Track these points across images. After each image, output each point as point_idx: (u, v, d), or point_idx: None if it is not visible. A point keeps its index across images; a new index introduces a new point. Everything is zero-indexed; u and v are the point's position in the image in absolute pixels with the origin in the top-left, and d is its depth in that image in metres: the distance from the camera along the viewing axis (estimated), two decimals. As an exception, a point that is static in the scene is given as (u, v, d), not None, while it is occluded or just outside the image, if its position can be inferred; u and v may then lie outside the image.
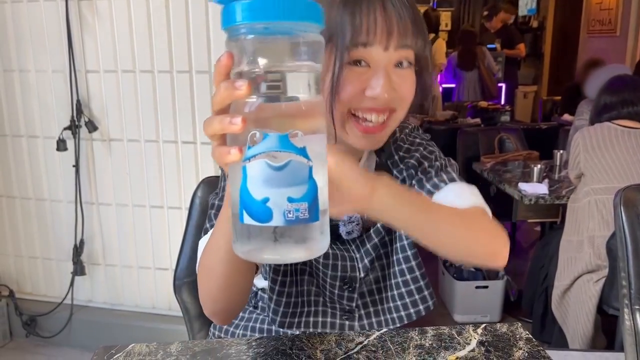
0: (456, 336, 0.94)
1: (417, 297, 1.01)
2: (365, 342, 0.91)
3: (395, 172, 0.97)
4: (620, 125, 2.25)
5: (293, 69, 0.49)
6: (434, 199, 0.89)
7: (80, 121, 2.39)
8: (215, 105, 0.53)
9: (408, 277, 1.00)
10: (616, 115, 2.28)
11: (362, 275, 0.98)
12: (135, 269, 2.54)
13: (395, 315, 1.01)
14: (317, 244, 0.52)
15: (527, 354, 0.87)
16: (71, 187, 2.49)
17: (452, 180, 0.91)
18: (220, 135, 0.53)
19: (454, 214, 0.81)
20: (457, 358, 0.87)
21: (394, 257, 1.01)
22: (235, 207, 0.51)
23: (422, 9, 6.35)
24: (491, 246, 0.86)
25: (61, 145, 2.40)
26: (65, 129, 2.40)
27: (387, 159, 0.97)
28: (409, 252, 0.99)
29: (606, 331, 2.25)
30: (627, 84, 2.36)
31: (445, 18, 8.02)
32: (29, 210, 2.61)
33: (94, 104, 2.41)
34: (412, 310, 1.00)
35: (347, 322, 1.01)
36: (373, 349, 0.89)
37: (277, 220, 0.49)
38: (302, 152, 0.49)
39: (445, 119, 4.55)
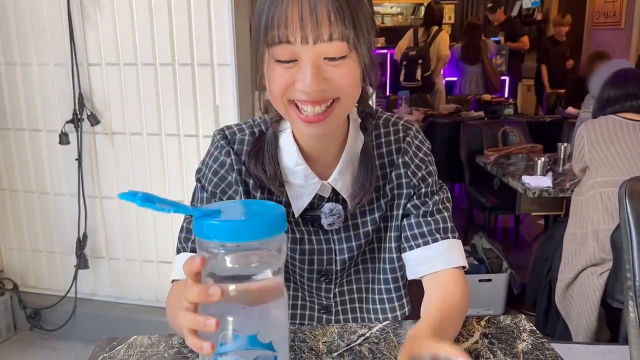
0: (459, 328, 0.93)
1: (396, 304, 1.03)
2: (368, 334, 0.91)
3: (394, 167, 0.97)
4: (625, 118, 2.23)
5: (259, 271, 0.56)
6: (422, 250, 0.95)
7: (83, 114, 2.39)
8: (189, 300, 0.57)
9: (391, 285, 1.02)
10: (620, 109, 2.26)
11: (338, 268, 0.98)
12: (138, 262, 2.54)
13: (372, 316, 1.03)
14: None
15: (530, 346, 0.87)
16: (74, 181, 2.49)
17: (445, 231, 0.95)
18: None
19: (461, 317, 0.91)
20: (460, 350, 0.86)
21: (379, 261, 1.01)
22: None
23: (425, 1, 6.32)
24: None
25: (64, 138, 2.40)
26: (67, 122, 2.39)
27: (376, 138, 0.96)
28: (395, 256, 1.00)
29: (610, 324, 2.25)
30: (630, 78, 2.34)
31: (449, 11, 7.99)
32: (32, 204, 2.62)
33: (96, 97, 2.40)
34: (389, 315, 1.02)
35: (324, 316, 1.02)
36: (375, 340, 0.89)
37: None
38: (269, 347, 0.56)
39: (449, 112, 4.54)
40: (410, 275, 0.98)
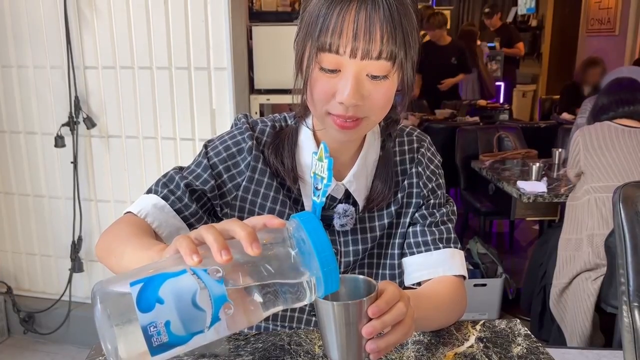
0: (455, 332, 0.93)
1: None
2: (364, 338, 0.91)
3: (407, 176, 0.99)
4: (621, 125, 2.25)
5: (286, 267, 0.58)
6: (425, 255, 0.97)
7: (79, 117, 2.39)
8: (228, 226, 0.59)
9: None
10: (612, 116, 2.28)
11: (341, 270, 0.98)
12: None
13: None
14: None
15: (525, 350, 0.87)
16: (69, 184, 2.48)
17: (448, 241, 0.98)
18: None
19: (446, 307, 0.92)
20: (455, 354, 0.87)
21: (381, 267, 1.01)
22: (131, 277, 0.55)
23: (422, 7, 6.33)
24: (458, 316, 0.96)
25: (59, 141, 2.39)
26: (63, 125, 2.39)
27: (393, 146, 0.98)
28: (396, 262, 1.01)
29: (604, 329, 2.25)
30: (623, 85, 2.37)
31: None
32: (27, 206, 2.61)
33: (92, 101, 2.40)
34: None
35: (314, 319, 1.01)
36: (371, 344, 0.89)
37: (143, 324, 0.53)
38: (216, 318, 0.55)
39: (444, 118, 4.55)
40: (408, 281, 0.98)
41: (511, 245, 3.99)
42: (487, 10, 6.49)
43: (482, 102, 5.07)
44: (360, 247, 0.98)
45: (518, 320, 0.97)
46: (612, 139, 2.22)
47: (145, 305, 0.52)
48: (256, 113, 2.52)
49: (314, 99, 0.82)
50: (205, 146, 0.96)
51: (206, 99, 2.29)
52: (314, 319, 1.02)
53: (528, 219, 3.81)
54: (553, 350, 0.87)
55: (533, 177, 2.74)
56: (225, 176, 0.93)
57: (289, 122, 0.98)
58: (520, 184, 2.67)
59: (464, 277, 0.98)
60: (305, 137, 0.94)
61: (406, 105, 0.90)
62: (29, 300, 2.69)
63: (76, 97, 2.37)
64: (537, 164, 2.77)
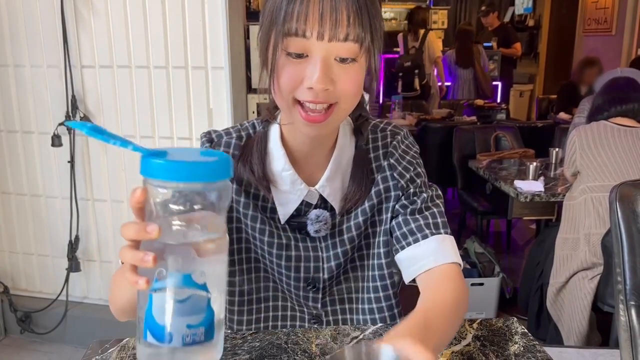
0: (452, 331, 0.93)
1: (386, 313, 1.01)
2: (361, 336, 0.91)
3: (380, 171, 0.96)
4: (617, 124, 2.26)
5: (201, 215, 0.56)
6: (413, 248, 0.91)
7: (76, 117, 2.38)
8: (126, 236, 0.59)
9: (380, 293, 1.00)
10: (607, 116, 2.29)
11: (325, 276, 0.97)
12: (130, 265, 2.53)
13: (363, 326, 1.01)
14: (211, 356, 0.60)
15: (522, 349, 0.88)
16: (66, 183, 2.48)
17: (436, 227, 0.92)
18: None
19: (454, 313, 0.82)
20: (452, 352, 0.87)
21: (368, 268, 0.99)
22: (140, 322, 0.58)
23: (412, 7, 6.32)
24: (465, 311, 0.88)
25: (56, 140, 2.39)
26: (60, 124, 2.38)
27: (366, 144, 0.96)
28: (384, 262, 0.98)
29: (601, 328, 2.26)
30: (618, 85, 2.38)
31: (442, 16, 8.02)
32: (23, 206, 2.60)
33: (89, 100, 2.40)
34: (378, 321, 1.00)
35: (315, 326, 1.00)
36: (369, 343, 0.89)
37: (176, 342, 0.56)
38: (203, 287, 0.57)
39: (442, 117, 4.56)
40: (407, 278, 0.92)
41: (508, 244, 3.99)
42: (483, 8, 6.50)
43: (480, 102, 5.08)
44: (339, 250, 0.96)
45: (515, 319, 0.97)
46: (608, 139, 2.23)
47: (164, 337, 0.56)
48: (253, 112, 2.51)
49: (281, 87, 0.79)
50: None
51: (203, 98, 2.28)
52: (316, 326, 1.01)
53: (525, 218, 3.81)
54: (550, 349, 0.87)
55: (530, 177, 2.74)
56: None
57: (258, 127, 0.95)
58: (518, 183, 2.68)
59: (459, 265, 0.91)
60: (274, 143, 0.91)
61: (373, 97, 0.89)
62: (26, 300, 2.68)
63: (73, 96, 2.37)
64: (534, 164, 2.77)
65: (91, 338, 0.94)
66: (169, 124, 2.33)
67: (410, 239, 0.92)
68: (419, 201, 0.94)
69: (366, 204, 0.95)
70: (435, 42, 5.54)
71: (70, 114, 2.37)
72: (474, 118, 4.52)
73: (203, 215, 0.57)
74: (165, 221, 0.56)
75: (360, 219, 0.95)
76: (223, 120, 2.27)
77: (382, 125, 0.98)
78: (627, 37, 5.39)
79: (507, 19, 7.95)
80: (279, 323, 1.00)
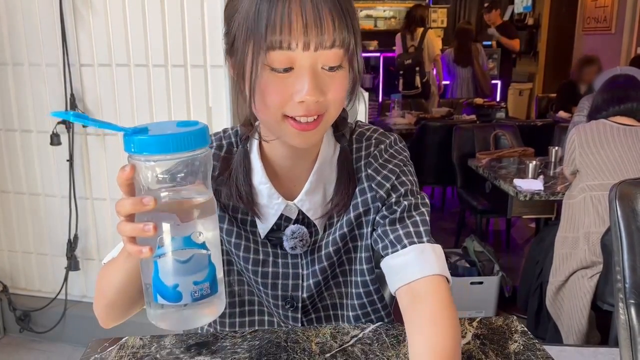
0: (451, 329, 0.93)
1: (372, 317, 0.98)
2: (360, 335, 0.91)
3: (359, 182, 0.90)
4: (616, 123, 2.25)
5: (187, 182, 0.61)
6: (391, 259, 0.84)
7: (75, 115, 2.38)
8: (122, 212, 0.61)
9: (360, 310, 0.96)
10: (605, 116, 2.29)
11: (305, 295, 0.93)
12: (129, 264, 2.53)
13: None
14: (218, 307, 0.65)
15: (522, 347, 0.87)
16: (65, 182, 2.47)
17: (418, 235, 0.84)
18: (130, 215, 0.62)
19: (453, 347, 0.76)
20: (452, 351, 0.86)
21: (350, 285, 0.95)
22: (148, 288, 0.63)
23: (411, 5, 6.33)
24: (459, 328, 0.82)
25: (55, 139, 2.38)
26: (59, 123, 2.38)
27: (349, 145, 0.91)
28: (368, 279, 0.94)
29: (600, 327, 2.26)
30: (618, 83, 2.38)
31: (442, 15, 8.03)
32: (22, 205, 2.60)
33: (88, 98, 2.39)
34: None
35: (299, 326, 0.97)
36: (368, 341, 0.89)
37: (186, 300, 0.62)
38: (203, 246, 0.62)
39: (441, 116, 4.56)
40: (392, 290, 0.85)
41: (508, 243, 3.99)
42: (486, 5, 6.50)
43: (479, 101, 5.08)
44: (317, 267, 0.92)
45: (515, 317, 0.97)
46: (607, 137, 2.23)
47: (174, 296, 0.61)
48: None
49: (268, 104, 0.74)
50: None
51: (202, 96, 2.28)
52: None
53: (524, 217, 3.82)
54: (549, 348, 0.87)
55: (530, 175, 2.74)
56: None
57: (239, 133, 0.91)
58: (517, 182, 2.68)
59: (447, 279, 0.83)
60: (253, 156, 0.88)
61: (356, 97, 0.82)
62: (25, 299, 2.68)
63: (72, 95, 2.36)
64: (534, 162, 2.77)
65: (90, 337, 0.94)
66: (168, 123, 2.33)
67: (389, 250, 0.84)
68: (398, 210, 0.86)
69: (343, 218, 0.90)
70: (434, 41, 5.54)
71: (69, 113, 2.37)
72: (473, 117, 4.52)
73: (187, 182, 0.61)
74: (155, 192, 0.60)
75: (338, 233, 0.90)
76: (222, 119, 2.27)
77: (368, 134, 0.93)
78: (626, 35, 5.39)
79: (506, 17, 7.94)
80: (266, 318, 0.98)
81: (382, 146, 0.91)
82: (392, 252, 0.84)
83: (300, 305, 0.94)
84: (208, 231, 0.62)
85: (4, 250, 2.69)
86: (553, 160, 3.05)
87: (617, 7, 5.51)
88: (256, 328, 0.97)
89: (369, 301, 0.96)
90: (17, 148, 2.53)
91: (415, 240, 0.83)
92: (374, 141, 0.92)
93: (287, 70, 0.72)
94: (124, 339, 0.90)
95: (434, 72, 5.58)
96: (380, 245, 0.87)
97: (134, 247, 0.61)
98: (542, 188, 2.60)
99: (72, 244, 2.52)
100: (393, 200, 0.87)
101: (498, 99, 6.05)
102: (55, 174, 2.51)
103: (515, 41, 6.23)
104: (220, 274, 0.65)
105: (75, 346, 2.58)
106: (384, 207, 0.88)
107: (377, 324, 0.95)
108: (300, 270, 0.93)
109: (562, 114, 4.27)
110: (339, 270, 0.94)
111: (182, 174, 0.60)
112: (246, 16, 0.71)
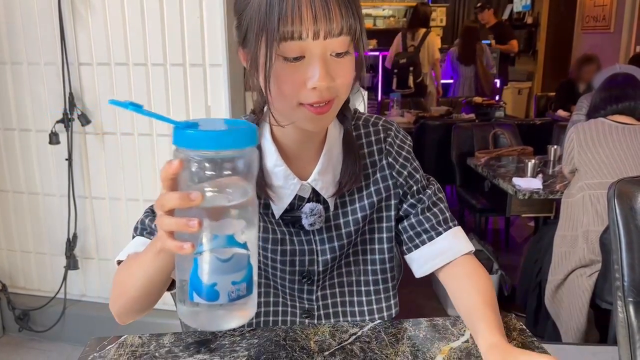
0: (450, 327, 0.94)
1: (384, 304, 1.01)
2: (359, 333, 0.91)
3: (380, 169, 0.97)
4: (614, 121, 2.25)
5: (231, 180, 0.60)
6: (429, 246, 0.98)
7: (73, 114, 2.38)
8: (167, 206, 0.61)
9: (381, 285, 1.01)
10: (603, 114, 2.29)
11: (320, 269, 0.97)
12: (128, 263, 2.53)
13: (358, 318, 1.00)
14: (251, 310, 0.65)
15: (520, 345, 0.87)
16: (64, 181, 2.47)
17: (445, 222, 0.99)
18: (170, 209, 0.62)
19: (490, 293, 0.93)
20: (451, 349, 0.87)
21: (366, 263, 1.00)
22: (184, 285, 0.62)
23: (411, 5, 6.32)
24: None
25: (54, 138, 2.38)
26: (57, 122, 2.38)
27: (356, 130, 0.97)
28: (386, 257, 0.99)
29: (599, 325, 2.26)
30: (618, 82, 2.38)
31: (440, 13, 8.02)
32: (21, 204, 2.59)
33: (87, 97, 2.39)
34: (376, 316, 1.00)
35: (306, 321, 1.00)
36: (367, 339, 0.89)
37: (222, 299, 0.61)
38: (244, 246, 0.61)
39: (440, 115, 4.56)
40: (420, 273, 0.99)
41: (507, 241, 3.99)
42: (478, 4, 6.50)
43: (478, 99, 5.08)
44: (336, 244, 0.96)
45: (513, 315, 0.97)
46: (606, 136, 2.23)
47: (212, 295, 0.60)
48: (252, 109, 2.51)
49: (284, 93, 0.79)
50: None
51: (201, 95, 2.28)
52: (307, 321, 1.00)
53: (523, 215, 3.81)
54: (548, 346, 0.87)
55: (528, 174, 2.74)
56: None
57: (250, 120, 0.95)
58: (516, 180, 2.68)
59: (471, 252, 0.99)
60: (265, 140, 0.92)
61: (365, 83, 0.89)
62: (24, 298, 2.67)
63: (70, 94, 2.36)
64: (533, 161, 2.77)
65: (89, 336, 0.94)
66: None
67: (425, 236, 0.98)
68: (425, 198, 0.98)
69: (365, 201, 0.97)
70: (436, 44, 5.53)
71: (68, 112, 2.37)
72: (472, 115, 4.52)
73: (233, 180, 0.60)
74: (200, 188, 0.59)
75: (359, 214, 0.96)
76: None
77: (372, 120, 1.00)
78: (625, 34, 5.39)
79: (505, 16, 7.94)
80: (271, 319, 0.99)
81: (391, 133, 0.99)
82: (429, 240, 0.97)
83: (316, 278, 0.98)
84: (250, 231, 0.62)
85: (2, 249, 2.69)
86: (552, 159, 3.05)
87: (616, 6, 5.51)
88: (266, 317, 0.98)
89: (383, 279, 1.01)
90: (15, 147, 2.53)
91: (445, 227, 0.98)
92: (381, 127, 0.99)
93: (298, 59, 0.76)
94: (122, 338, 0.90)
95: (433, 74, 5.58)
96: (412, 233, 0.98)
97: (174, 242, 0.60)
98: (541, 187, 2.61)
99: (71, 243, 2.51)
100: (414, 188, 0.98)
101: (497, 97, 6.06)
102: (54, 173, 2.50)
103: (511, 44, 6.24)
104: (256, 276, 0.64)
105: (74, 345, 2.58)
106: (408, 195, 0.98)
107: (376, 322, 0.95)
108: (315, 246, 0.97)
109: (561, 112, 4.28)
110: (353, 249, 1.00)
111: (229, 172, 0.59)
112: (258, 9, 0.75)
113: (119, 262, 0.90)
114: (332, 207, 0.95)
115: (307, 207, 0.94)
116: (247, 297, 0.62)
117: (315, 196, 0.95)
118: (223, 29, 2.19)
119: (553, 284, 2.31)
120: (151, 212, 0.96)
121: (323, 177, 0.93)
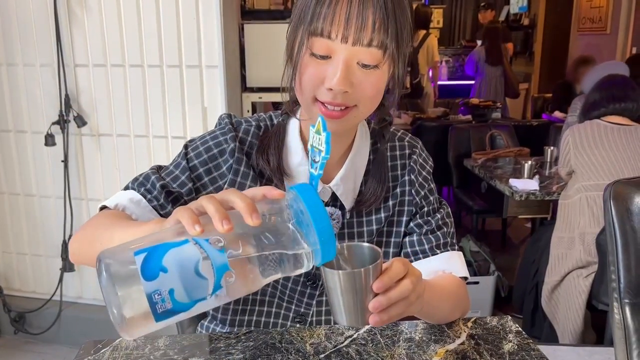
0: (446, 329, 0.93)
1: None
2: (355, 336, 0.91)
3: (400, 184, 0.99)
4: (610, 122, 2.26)
5: (281, 247, 0.60)
6: (424, 262, 0.97)
7: (69, 116, 2.37)
8: (231, 197, 0.60)
9: None
10: (603, 112, 2.29)
11: None
12: (125, 265, 2.52)
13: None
14: (133, 330, 0.58)
15: (516, 347, 0.87)
16: (60, 183, 2.46)
17: (445, 246, 0.98)
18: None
19: (448, 298, 0.92)
20: (447, 351, 0.87)
21: None
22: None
23: (415, 5, 6.32)
24: (461, 314, 0.97)
25: (49, 140, 2.37)
26: (53, 123, 2.37)
27: (384, 146, 0.98)
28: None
29: (595, 327, 2.27)
30: (615, 82, 2.38)
31: (438, 15, 8.03)
32: (17, 206, 2.59)
33: (82, 99, 2.38)
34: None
35: (297, 325, 0.99)
36: (362, 342, 0.89)
37: (147, 290, 0.55)
38: (215, 286, 0.57)
39: (437, 116, 4.56)
40: None
41: (503, 243, 4.00)
42: (483, 4, 6.52)
43: (475, 101, 5.08)
44: None
45: (509, 317, 0.97)
46: (601, 137, 2.23)
47: (150, 273, 0.54)
48: (248, 111, 2.51)
49: (303, 84, 0.81)
50: (186, 146, 0.94)
51: (198, 97, 2.28)
52: (298, 325, 1.00)
53: (520, 216, 3.82)
54: (545, 348, 0.87)
55: (525, 175, 2.75)
56: (206, 179, 0.92)
57: (275, 121, 0.96)
58: (513, 182, 2.68)
59: (465, 278, 0.99)
60: (293, 136, 0.92)
61: (396, 102, 0.90)
62: (20, 300, 2.66)
63: (66, 95, 2.35)
64: (529, 162, 2.77)
65: (85, 338, 0.93)
66: (163, 123, 2.32)
67: (421, 255, 0.97)
68: (432, 221, 0.98)
69: (382, 214, 0.97)
70: (435, 46, 5.55)
71: (64, 113, 2.36)
72: (469, 117, 4.52)
73: (281, 247, 0.59)
74: (269, 222, 0.59)
75: (375, 226, 0.97)
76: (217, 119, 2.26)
77: (399, 135, 1.01)
78: (621, 35, 5.40)
79: (502, 17, 7.95)
80: (263, 319, 0.99)
81: (417, 150, 1.00)
82: (423, 257, 0.97)
83: (320, 282, 0.98)
84: (235, 282, 0.58)
85: (-2, 251, 2.68)
86: (548, 160, 3.06)
87: (612, 8, 5.53)
88: (258, 317, 0.98)
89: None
90: (11, 149, 2.52)
91: (443, 249, 0.98)
92: (407, 143, 1.00)
93: (325, 57, 0.79)
94: (117, 341, 0.90)
95: (430, 75, 5.58)
96: (409, 250, 0.98)
97: (193, 215, 0.57)
98: (538, 188, 2.61)
99: (66, 245, 2.51)
100: (426, 209, 0.99)
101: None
102: (49, 175, 2.50)
103: (507, 47, 6.24)
104: (185, 315, 0.57)
105: (70, 347, 2.57)
106: (418, 215, 0.99)
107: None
108: None
109: (557, 114, 4.28)
110: None
111: (294, 240, 0.59)
112: (303, 3, 0.80)
113: (103, 208, 0.89)
114: (348, 215, 0.95)
115: (328, 210, 0.93)
116: (149, 319, 0.55)
117: (332, 201, 0.94)
118: (219, 30, 2.19)
119: (550, 285, 2.31)
120: (157, 170, 0.94)
121: (344, 183, 0.93)
